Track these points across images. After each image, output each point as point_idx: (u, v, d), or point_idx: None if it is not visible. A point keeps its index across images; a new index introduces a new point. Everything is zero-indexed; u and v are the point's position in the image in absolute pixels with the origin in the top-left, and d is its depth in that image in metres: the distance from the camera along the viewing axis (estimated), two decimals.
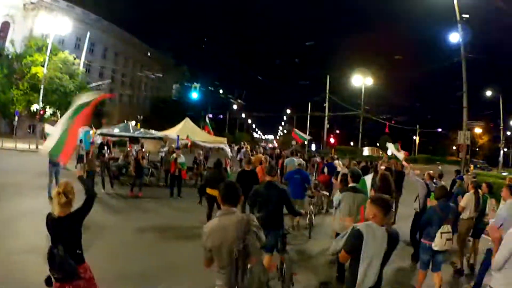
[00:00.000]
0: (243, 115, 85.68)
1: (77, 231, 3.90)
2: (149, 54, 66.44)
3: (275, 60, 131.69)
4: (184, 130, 17.72)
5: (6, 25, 45.49)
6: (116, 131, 16.44)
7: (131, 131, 17.05)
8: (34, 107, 35.71)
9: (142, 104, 68.55)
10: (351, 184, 6.40)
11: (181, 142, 16.74)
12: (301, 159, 15.59)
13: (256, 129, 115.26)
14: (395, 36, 75.77)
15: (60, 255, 3.62)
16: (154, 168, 17.32)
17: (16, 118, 35.59)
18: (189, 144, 17.61)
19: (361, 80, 38.98)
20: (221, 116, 77.18)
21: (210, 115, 63.76)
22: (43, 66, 35.56)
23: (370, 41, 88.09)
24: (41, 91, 33.34)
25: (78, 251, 3.87)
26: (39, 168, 14.16)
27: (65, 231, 3.79)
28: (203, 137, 18.66)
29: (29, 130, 42.81)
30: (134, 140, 18.12)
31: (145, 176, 15.39)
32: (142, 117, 52.18)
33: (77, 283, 3.75)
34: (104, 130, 17.31)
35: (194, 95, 33.20)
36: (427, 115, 68.11)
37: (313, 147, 57.04)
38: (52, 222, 3.82)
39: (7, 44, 41.05)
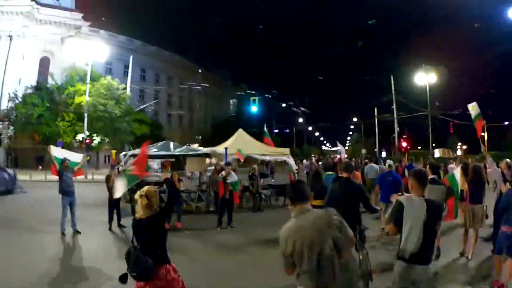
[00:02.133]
0: (310, 128, 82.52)
1: (157, 232, 4.02)
2: (200, 71, 64.77)
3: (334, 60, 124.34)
4: (236, 144, 15.06)
5: (45, 60, 46.38)
6: (153, 150, 13.45)
7: (172, 149, 14.13)
8: (79, 136, 34.54)
9: (203, 125, 66.45)
10: (430, 176, 6.53)
11: (233, 157, 13.77)
12: (391, 161, 13.95)
13: (325, 142, 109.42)
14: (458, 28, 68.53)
15: (136, 254, 3.81)
16: (202, 191, 14.17)
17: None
18: (240, 159, 14.54)
19: (425, 78, 36.24)
20: (287, 130, 74.00)
21: (276, 130, 61.88)
22: (94, 96, 34.82)
23: (434, 36, 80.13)
24: (85, 119, 32.10)
25: (158, 252, 3.95)
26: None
27: (145, 232, 3.97)
28: (262, 149, 15.53)
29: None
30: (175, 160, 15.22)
31: (191, 202, 13.58)
32: (200, 137, 50.21)
33: (155, 283, 3.83)
34: (136, 151, 14.52)
35: (254, 108, 32.48)
36: (493, 109, 60.51)
37: (383, 154, 53.60)
38: (135, 223, 4.08)
39: (48, 78, 41.13)
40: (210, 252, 8.43)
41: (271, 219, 11.20)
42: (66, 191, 9.81)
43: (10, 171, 19.56)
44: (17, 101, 38.26)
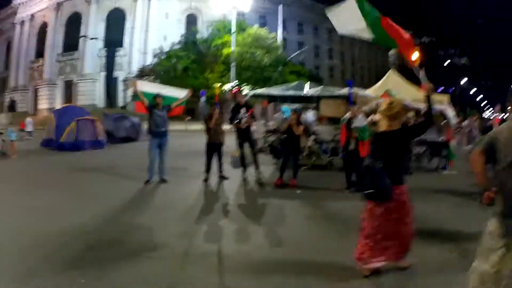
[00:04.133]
0: (472, 91, 70.43)
1: (400, 149, 3.75)
2: None
3: None
4: (384, 86, 11.69)
5: (191, 17, 49.05)
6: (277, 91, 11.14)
7: (304, 90, 11.57)
8: (227, 86, 34.87)
9: (367, 78, 62.44)
10: None
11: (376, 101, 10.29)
12: None
13: (488, 106, 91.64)
14: None
15: (377, 171, 3.56)
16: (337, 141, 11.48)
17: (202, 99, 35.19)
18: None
19: None
20: (450, 90, 64.55)
21: (438, 91, 54.15)
22: (240, 46, 34.56)
23: None
24: (232, 69, 31.83)
25: (398, 172, 3.68)
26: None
27: (387, 147, 3.67)
28: (414, 95, 11.47)
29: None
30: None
31: (324, 154, 10.76)
32: None
33: (387, 204, 3.60)
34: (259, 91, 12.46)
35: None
36: None
37: None
38: (375, 136, 3.85)
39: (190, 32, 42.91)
40: (305, 220, 5.85)
41: (418, 186, 7.21)
42: (155, 132, 8.22)
43: (135, 119, 20.05)
44: (162, 57, 40.64)
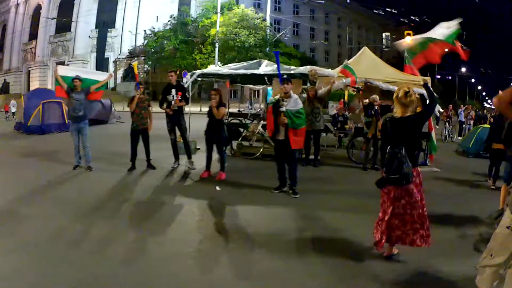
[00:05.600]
0: (473, 81, 70.19)
1: (416, 132, 3.94)
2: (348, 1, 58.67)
3: None
4: (355, 63, 10.62)
5: None
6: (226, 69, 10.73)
7: (261, 69, 10.79)
8: (211, 67, 34.50)
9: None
10: None
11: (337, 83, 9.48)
12: None
13: (487, 98, 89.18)
14: None
15: (401, 156, 3.71)
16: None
17: (185, 79, 35.06)
18: (350, 80, 9.49)
19: None
20: (450, 77, 62.93)
21: (438, 76, 53.05)
22: (225, 26, 33.82)
23: None
24: (216, 49, 31.31)
25: (415, 153, 3.94)
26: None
27: (405, 132, 3.82)
28: (389, 75, 10.35)
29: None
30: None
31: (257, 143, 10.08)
32: None
33: (406, 187, 3.79)
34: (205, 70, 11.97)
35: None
36: None
37: None
38: (392, 123, 3.90)
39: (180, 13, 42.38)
40: (193, 231, 4.87)
41: (363, 189, 6.72)
42: (72, 117, 8.01)
43: (106, 101, 19.85)
44: (151, 38, 40.33)
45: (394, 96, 3.94)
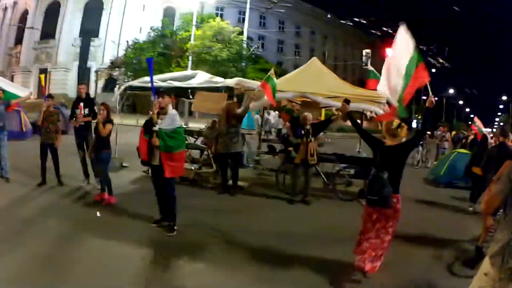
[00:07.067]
0: (461, 102, 71.83)
1: (402, 160, 4.19)
2: (328, 16, 59.19)
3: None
4: (302, 73, 10.37)
5: (169, 11, 48.92)
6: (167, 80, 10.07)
7: (194, 80, 10.02)
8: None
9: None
10: None
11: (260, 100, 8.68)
12: None
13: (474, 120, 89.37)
14: None
15: (382, 179, 3.91)
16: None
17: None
18: (269, 99, 8.25)
19: None
20: (436, 99, 63.26)
21: (424, 97, 53.39)
22: (200, 39, 33.95)
23: None
24: (189, 62, 31.54)
25: (398, 179, 4.12)
26: None
27: (391, 159, 4.09)
28: (337, 89, 9.28)
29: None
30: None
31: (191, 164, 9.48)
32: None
33: (385, 211, 4.03)
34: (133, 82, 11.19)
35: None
36: None
37: None
38: (381, 149, 4.19)
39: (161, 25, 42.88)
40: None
41: (267, 229, 6.24)
42: None
43: (66, 111, 19.83)
44: (129, 49, 40.62)
45: (386, 127, 4.24)
